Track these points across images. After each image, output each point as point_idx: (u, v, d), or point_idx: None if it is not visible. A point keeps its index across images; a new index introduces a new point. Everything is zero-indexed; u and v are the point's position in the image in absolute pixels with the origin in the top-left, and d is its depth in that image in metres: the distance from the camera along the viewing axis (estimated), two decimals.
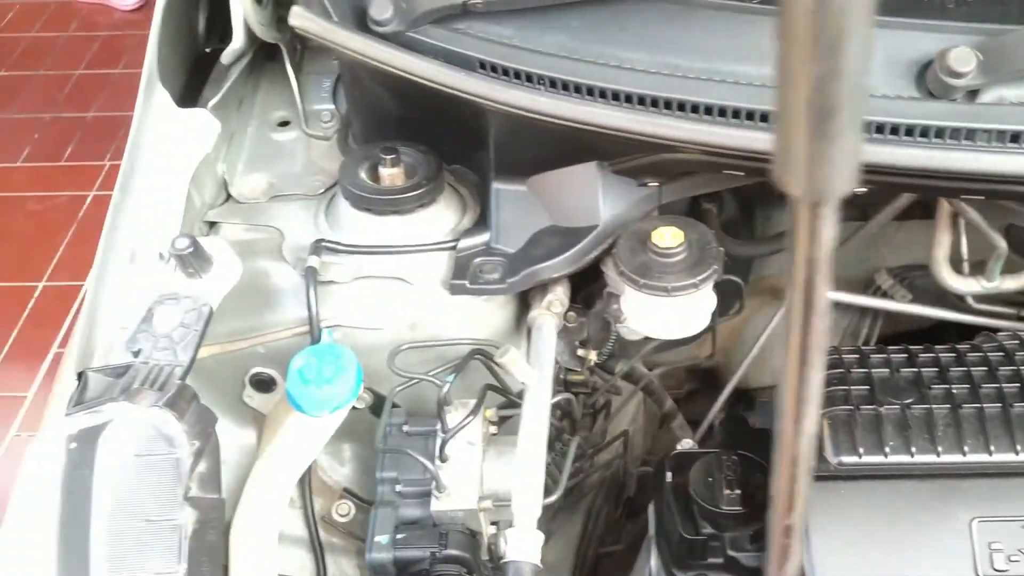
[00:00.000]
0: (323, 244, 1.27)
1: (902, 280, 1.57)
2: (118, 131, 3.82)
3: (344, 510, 1.35)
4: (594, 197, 1.27)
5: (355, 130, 1.44)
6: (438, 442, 1.21)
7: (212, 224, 1.36)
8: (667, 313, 1.19)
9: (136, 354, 1.09)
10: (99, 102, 4.00)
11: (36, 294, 3.28)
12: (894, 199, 1.39)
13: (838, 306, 1.55)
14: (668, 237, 1.17)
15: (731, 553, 1.15)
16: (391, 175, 1.31)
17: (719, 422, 1.40)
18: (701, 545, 1.16)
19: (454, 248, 1.29)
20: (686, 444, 1.35)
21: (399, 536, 1.14)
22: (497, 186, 1.32)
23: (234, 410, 1.31)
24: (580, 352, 1.36)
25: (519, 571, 1.05)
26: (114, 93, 4.05)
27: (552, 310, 1.30)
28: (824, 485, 1.04)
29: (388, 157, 1.30)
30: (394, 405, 1.27)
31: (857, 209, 1.46)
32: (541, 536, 1.08)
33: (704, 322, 1.22)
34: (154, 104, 1.29)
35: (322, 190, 1.40)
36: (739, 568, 1.15)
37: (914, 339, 1.63)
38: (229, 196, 1.40)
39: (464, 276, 1.26)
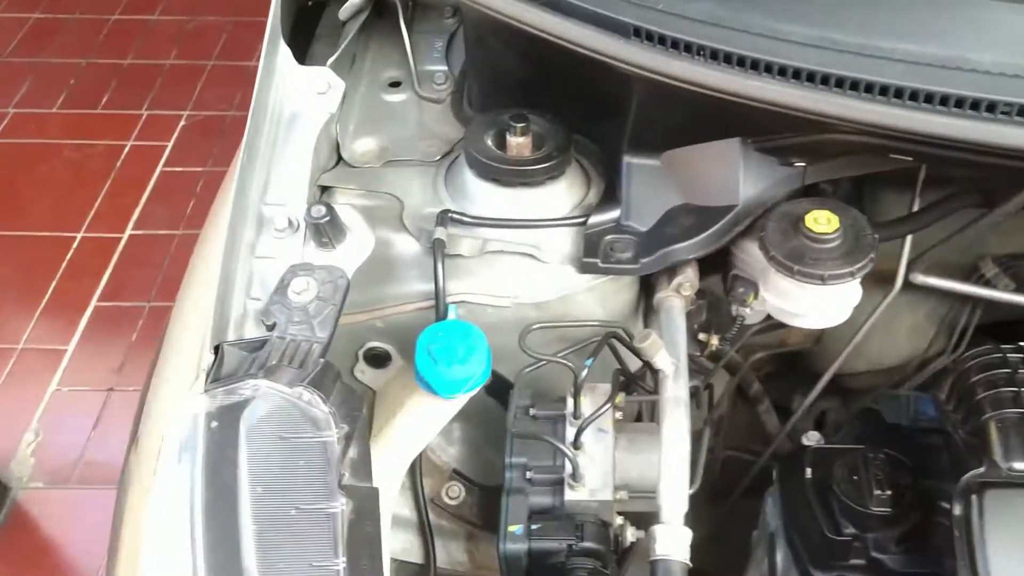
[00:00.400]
0: (450, 215, 1.21)
1: (1007, 269, 1.51)
2: (155, 79, 3.75)
3: (455, 492, 1.30)
4: (734, 175, 1.20)
5: (472, 94, 1.37)
6: (568, 428, 1.16)
7: (324, 189, 1.30)
8: (818, 302, 1.14)
9: (271, 328, 1.03)
10: (136, 48, 3.92)
11: (75, 245, 3.22)
12: None
13: (935, 293, 1.49)
14: (823, 222, 1.11)
15: (875, 555, 1.11)
16: (519, 144, 1.24)
17: (855, 415, 1.35)
18: (844, 545, 1.12)
19: (584, 224, 1.23)
20: (812, 438, 1.30)
21: (534, 526, 1.09)
22: (629, 160, 1.25)
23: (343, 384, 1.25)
24: (701, 336, 1.30)
25: (669, 570, 1.00)
26: (150, 40, 3.96)
27: (682, 292, 1.25)
28: (997, 492, 0.99)
29: (518, 125, 1.23)
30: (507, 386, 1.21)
31: (982, 195, 1.40)
32: (689, 533, 1.03)
33: (848, 312, 1.17)
34: (278, 63, 1.22)
35: (438, 156, 1.33)
36: (882, 570, 1.11)
37: (1014, 332, 1.59)
38: (339, 159, 1.34)
39: (595, 254, 1.20)
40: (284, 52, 1.21)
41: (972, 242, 1.46)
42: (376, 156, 1.34)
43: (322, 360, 0.99)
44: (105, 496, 2.59)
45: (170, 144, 3.57)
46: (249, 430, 0.95)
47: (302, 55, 1.32)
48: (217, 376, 1.00)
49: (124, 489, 1.15)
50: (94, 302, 3.04)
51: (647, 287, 1.30)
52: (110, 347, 2.92)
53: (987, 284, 1.50)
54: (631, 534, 1.15)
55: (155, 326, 2.96)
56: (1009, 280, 1.49)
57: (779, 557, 1.22)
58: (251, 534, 0.90)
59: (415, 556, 1.26)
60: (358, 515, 0.92)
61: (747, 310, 1.28)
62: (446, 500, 1.31)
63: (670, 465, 1.06)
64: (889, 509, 1.10)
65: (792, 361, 1.74)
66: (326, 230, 1.07)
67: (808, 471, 1.15)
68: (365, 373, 1.27)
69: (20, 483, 2.58)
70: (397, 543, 1.27)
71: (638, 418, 1.34)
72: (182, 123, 3.66)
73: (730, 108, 1.08)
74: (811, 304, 1.14)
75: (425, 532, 1.26)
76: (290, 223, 1.11)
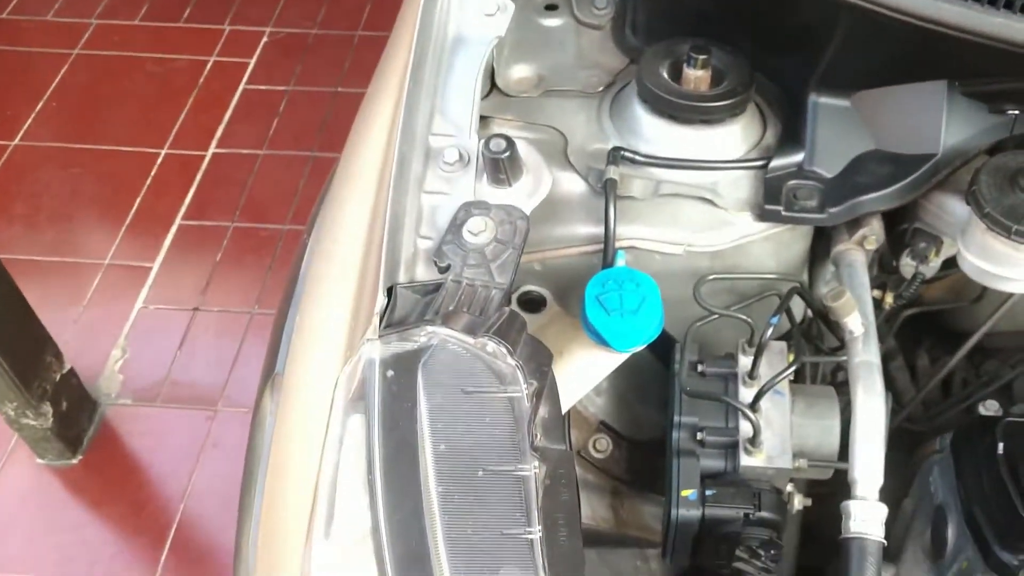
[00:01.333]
0: (622, 153, 1.12)
1: None
2: None
3: (603, 445, 1.24)
4: (936, 121, 1.10)
5: (638, 20, 1.26)
6: (740, 388, 1.09)
7: (482, 118, 1.21)
8: None
9: (444, 270, 0.96)
10: None
11: (159, 161, 3.17)
12: None
13: None
14: None
15: None
16: (698, 78, 1.14)
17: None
18: None
19: (765, 167, 1.13)
20: (991, 407, 1.21)
21: (708, 492, 1.02)
22: (817, 99, 1.15)
23: None
24: (875, 293, 1.21)
25: (864, 549, 0.93)
26: None
27: (866, 246, 1.15)
28: None
29: (699, 57, 1.13)
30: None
31: None
32: (885, 509, 0.95)
33: None
34: None
35: (601, 87, 1.24)
36: None
37: None
38: (493, 86, 1.24)
39: (777, 200, 1.11)
40: None
41: None
42: (534, 85, 1.25)
43: (506, 308, 0.92)
44: (190, 416, 2.60)
45: (253, 61, 3.48)
46: (428, 381, 0.87)
47: None
48: (391, 320, 0.93)
49: (260, 428, 1.10)
50: (178, 220, 3.00)
51: (821, 237, 1.21)
52: (195, 266, 2.88)
53: None
54: (798, 501, 1.08)
55: (239, 246, 2.92)
56: None
57: (950, 532, 1.14)
58: (435, 495, 0.83)
59: None
60: (553, 480, 0.85)
61: (926, 267, 1.19)
62: (593, 453, 1.24)
63: (865, 434, 0.98)
64: None
65: (921, 316, 1.64)
66: (505, 166, 0.99)
67: (1001, 445, 1.06)
68: None
69: (108, 399, 2.57)
70: None
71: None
72: (264, 40, 3.57)
73: (946, 46, 0.98)
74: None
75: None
76: (461, 156, 1.03)
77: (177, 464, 2.46)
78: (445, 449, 0.85)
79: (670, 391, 1.12)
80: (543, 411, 0.89)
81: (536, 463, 0.84)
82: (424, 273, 0.98)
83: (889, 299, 1.24)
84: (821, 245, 1.22)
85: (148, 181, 3.10)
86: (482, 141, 1.00)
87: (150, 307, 2.80)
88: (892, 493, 0.96)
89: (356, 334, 0.94)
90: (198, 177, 3.11)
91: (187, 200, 3.05)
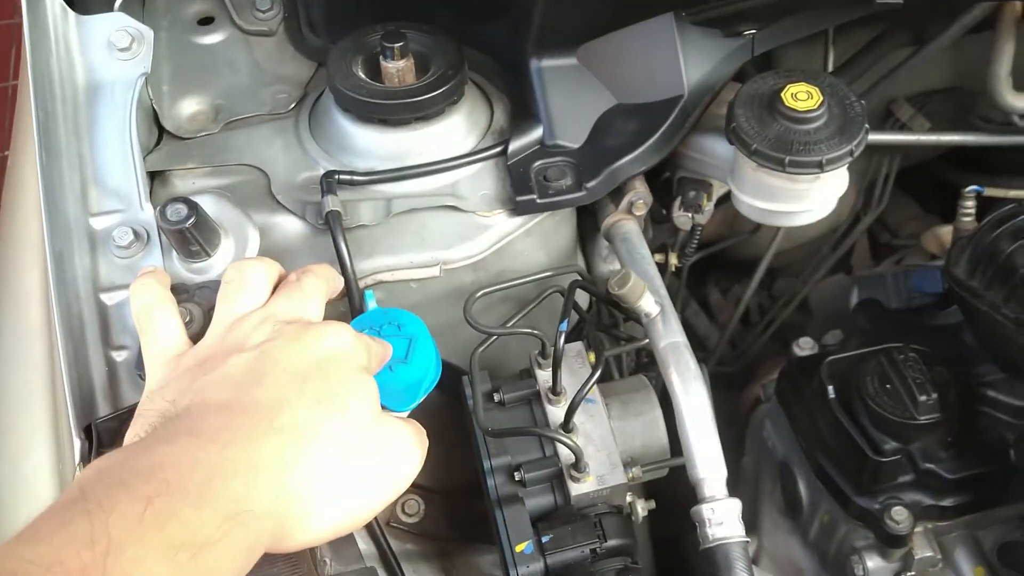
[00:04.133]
0: (337, 177, 0.93)
1: (920, 108, 1.38)
2: None
3: (412, 508, 1.06)
4: (673, 59, 0.99)
5: (313, 15, 1.07)
6: (547, 407, 0.94)
7: (154, 176, 0.98)
8: (815, 194, 0.94)
9: None
10: None
11: None
12: (964, 11, 1.17)
13: None
14: (804, 97, 0.91)
15: (926, 466, 0.96)
16: (400, 70, 0.97)
17: (852, 310, 1.18)
18: (891, 464, 0.96)
19: (504, 154, 0.98)
20: (805, 345, 1.13)
21: (544, 538, 0.87)
22: (539, 63, 1.01)
23: None
24: (658, 259, 1.09)
25: (729, 555, 0.81)
26: None
27: (635, 212, 1.03)
28: None
29: (395, 45, 0.96)
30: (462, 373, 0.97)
31: (912, 31, 1.24)
32: (738, 503, 0.83)
33: (836, 199, 0.98)
34: (47, 16, 0.89)
35: (292, 104, 1.04)
36: (936, 480, 0.96)
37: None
38: (162, 132, 1.02)
39: (528, 188, 0.96)
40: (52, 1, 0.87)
41: (876, 85, 1.31)
42: (210, 119, 1.03)
43: None
44: None
45: None
46: None
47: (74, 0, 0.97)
48: None
49: None
50: None
51: (586, 213, 1.08)
52: None
53: (903, 128, 1.37)
54: (642, 508, 0.95)
55: None
56: (924, 119, 1.36)
57: (802, 488, 1.06)
58: None
59: None
60: None
61: (702, 216, 1.08)
62: (403, 518, 1.06)
63: (694, 426, 0.86)
64: (937, 415, 0.94)
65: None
66: (193, 235, 0.78)
67: (831, 388, 0.97)
68: None
69: None
70: None
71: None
72: None
73: None
74: (806, 198, 0.94)
75: (389, 562, 1.02)
76: (136, 235, 0.81)
77: None
78: None
79: (471, 430, 0.95)
80: None
81: None
82: (130, 393, 0.76)
83: (674, 259, 1.13)
84: (587, 220, 1.09)
85: None
86: (157, 210, 0.78)
87: None
88: (728, 453, 0.85)
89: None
90: None
91: None
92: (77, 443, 0.70)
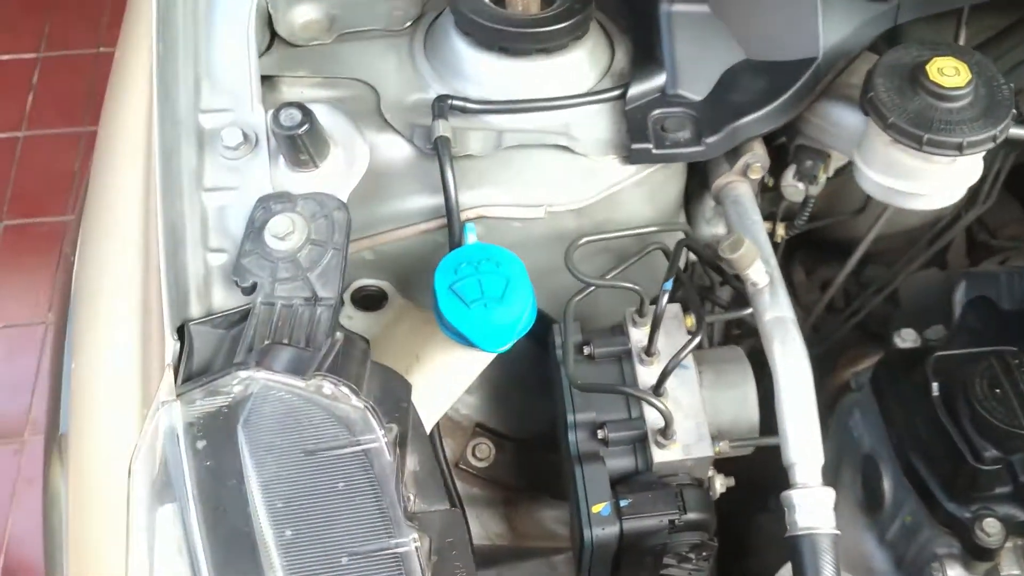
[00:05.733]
0: (450, 102, 0.90)
1: None
2: None
3: (483, 452, 1.04)
4: (811, 18, 0.93)
5: None
6: (638, 366, 0.90)
7: (262, 79, 0.95)
8: (947, 177, 0.88)
9: (250, 290, 0.72)
10: None
11: None
12: None
13: None
14: (951, 73, 0.85)
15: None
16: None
17: (960, 310, 1.12)
18: (990, 473, 0.91)
19: (623, 98, 0.93)
20: (908, 337, 1.08)
21: (622, 501, 0.84)
22: (670, 7, 0.96)
23: None
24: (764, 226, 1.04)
25: (817, 546, 0.77)
26: None
27: (750, 175, 0.98)
28: None
29: None
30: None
31: None
32: (832, 493, 0.80)
33: (968, 186, 0.93)
34: None
35: (408, 22, 1.00)
36: None
37: None
38: (274, 36, 0.99)
39: (644, 137, 0.92)
40: None
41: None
42: (324, 29, 1.00)
43: (340, 333, 0.69)
44: None
45: None
46: (255, 446, 0.65)
47: None
48: (190, 370, 0.69)
49: (55, 506, 0.85)
50: None
51: (695, 170, 1.03)
52: None
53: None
54: (721, 484, 0.92)
55: (14, 247, 2.53)
56: None
57: (886, 484, 1.01)
58: None
59: None
60: (442, 554, 0.65)
61: (815, 188, 1.03)
62: (473, 462, 1.04)
63: (794, 407, 0.82)
64: None
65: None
66: (305, 143, 0.75)
67: (935, 385, 0.93)
68: (354, 319, 0.96)
69: None
70: None
71: None
72: None
73: None
74: (937, 181, 0.89)
75: (454, 504, 1.00)
76: (245, 137, 0.79)
77: None
78: (292, 535, 0.63)
79: (555, 381, 0.92)
80: (412, 462, 0.68)
81: (415, 534, 0.63)
82: (223, 298, 0.74)
83: (780, 231, 1.08)
84: (694, 177, 1.05)
85: None
86: (270, 114, 0.76)
87: None
88: None
89: (150, 384, 0.70)
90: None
91: None
92: (169, 343, 0.68)
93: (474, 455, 1.03)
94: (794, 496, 0.79)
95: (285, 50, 0.98)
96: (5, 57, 2.94)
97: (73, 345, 0.84)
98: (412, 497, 0.65)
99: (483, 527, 1.03)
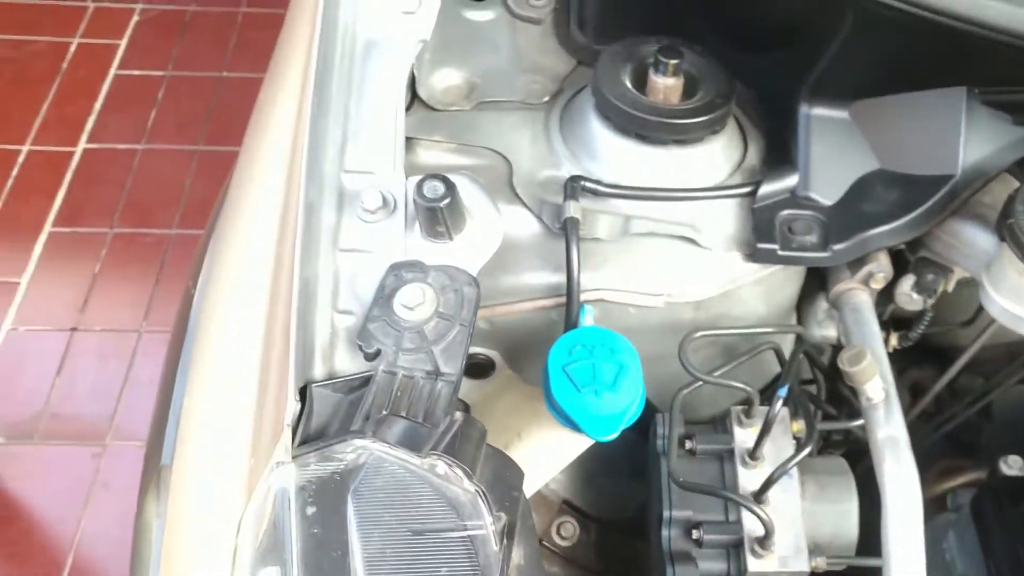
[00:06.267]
0: (583, 184, 0.90)
1: None
2: None
3: (568, 531, 1.03)
4: (954, 136, 0.92)
5: (586, 11, 1.05)
6: (738, 467, 0.89)
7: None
8: None
9: (373, 356, 0.73)
10: None
11: (20, 160, 2.81)
12: None
13: None
14: None
15: None
16: (668, 88, 0.93)
17: None
18: None
19: (753, 195, 0.93)
20: (1015, 464, 1.05)
21: None
22: (810, 110, 0.96)
23: None
24: None
25: None
26: None
27: (872, 285, 0.97)
28: None
29: (671, 62, 0.92)
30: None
31: None
32: None
33: None
34: None
35: (546, 96, 1.02)
36: None
37: None
38: (415, 97, 1.01)
39: (771, 237, 0.91)
40: None
41: None
42: (464, 95, 1.02)
43: (460, 413, 0.70)
44: (74, 453, 2.30)
45: (123, 42, 3.13)
46: (363, 518, 0.66)
47: None
48: (307, 433, 0.70)
49: (145, 537, 0.87)
50: (48, 227, 2.66)
51: (810, 272, 1.02)
52: (70, 280, 2.55)
53: None
54: None
55: (120, 255, 2.61)
56: None
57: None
58: None
59: None
60: None
61: (932, 301, 1.01)
62: (557, 540, 1.03)
63: (900, 531, 0.80)
64: None
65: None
66: (444, 216, 0.77)
67: None
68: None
69: None
70: None
71: None
72: (136, 17, 3.21)
73: (971, 47, 0.80)
74: None
75: None
76: (384, 201, 0.80)
77: (63, 509, 2.17)
78: None
79: (652, 472, 0.92)
80: (518, 555, 0.67)
81: None
82: (346, 362, 0.75)
83: (894, 341, 1.06)
84: (812, 279, 1.04)
85: (9, 183, 2.75)
86: (413, 183, 0.77)
87: (20, 329, 2.47)
88: None
89: (261, 437, 0.71)
90: (68, 177, 2.77)
91: (57, 204, 2.71)
92: (290, 403, 0.70)
93: (559, 533, 1.03)
94: None
95: (425, 113, 1.00)
96: (136, 73, 3.05)
97: (188, 380, 0.86)
98: None
99: None
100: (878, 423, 0.85)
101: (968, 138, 0.92)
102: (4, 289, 2.52)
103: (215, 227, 1.00)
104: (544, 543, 1.03)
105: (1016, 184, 0.92)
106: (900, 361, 1.62)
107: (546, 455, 0.89)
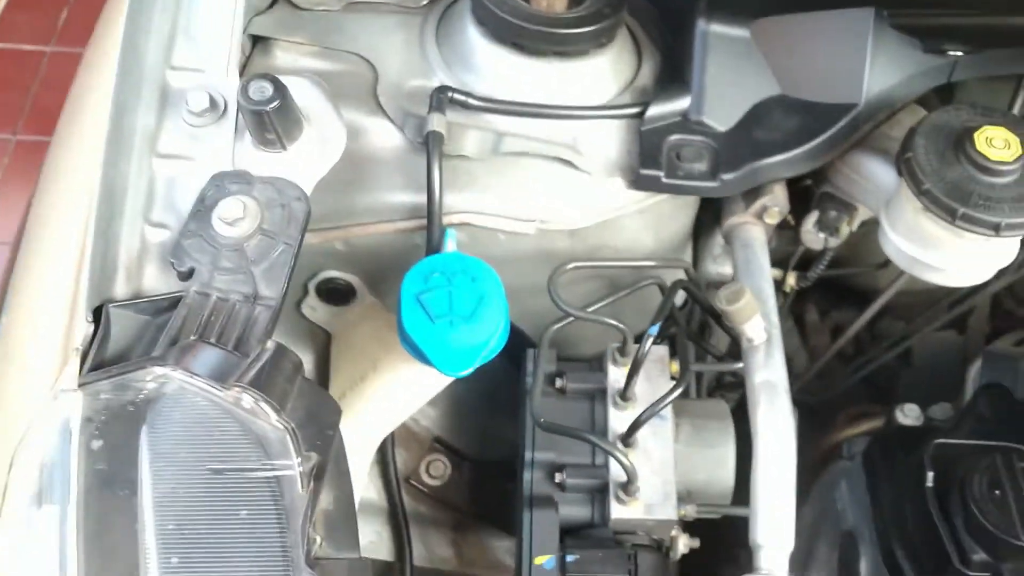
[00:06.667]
0: (451, 95, 0.82)
1: None
2: None
3: (438, 469, 0.97)
4: (859, 60, 0.85)
5: None
6: (610, 408, 0.83)
7: (257, 40, 0.89)
8: (975, 256, 0.80)
9: (187, 275, 0.65)
10: None
11: None
12: None
13: None
14: (1000, 145, 0.77)
15: None
16: None
17: (972, 392, 1.04)
18: None
19: (640, 116, 0.85)
20: (911, 413, 1.00)
21: (569, 556, 0.77)
22: (707, 26, 0.87)
23: (285, 323, 0.88)
24: (774, 274, 0.96)
25: None
26: None
27: (766, 219, 0.90)
28: None
29: None
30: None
31: None
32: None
33: (995, 270, 0.85)
34: None
35: (424, 1, 0.93)
36: None
37: None
38: None
39: (656, 163, 0.84)
40: None
41: None
42: None
43: (271, 342, 0.62)
44: None
45: None
46: (156, 453, 0.58)
47: None
48: (101, 358, 0.62)
49: None
50: None
51: (709, 204, 0.95)
52: None
53: None
54: (683, 545, 0.84)
55: (23, 163, 2.48)
56: None
57: (863, 567, 0.94)
58: None
59: (384, 551, 0.93)
60: None
61: (836, 240, 0.95)
62: (426, 479, 0.97)
63: (773, 484, 0.74)
64: None
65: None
66: (273, 121, 0.68)
67: (930, 475, 0.85)
68: (317, 310, 0.90)
69: None
70: (362, 535, 0.93)
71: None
72: None
73: None
74: (965, 258, 0.81)
75: (399, 521, 0.93)
76: (212, 102, 0.71)
77: None
78: (179, 564, 0.57)
79: (521, 411, 0.85)
80: (326, 500, 0.61)
81: None
82: (156, 281, 0.67)
83: (791, 280, 1.01)
84: (706, 212, 0.97)
85: None
86: (240, 83, 0.69)
87: None
88: None
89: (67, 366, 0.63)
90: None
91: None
92: (81, 325, 0.62)
93: (428, 472, 0.97)
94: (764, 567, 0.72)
95: (289, 11, 0.90)
96: None
97: (8, 301, 0.78)
98: (319, 539, 0.59)
99: (428, 549, 0.96)
100: (756, 366, 0.79)
101: (874, 64, 0.85)
102: None
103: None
104: (412, 481, 0.97)
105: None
106: (824, 302, 1.58)
107: (403, 389, 0.83)
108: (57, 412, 0.59)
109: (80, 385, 0.60)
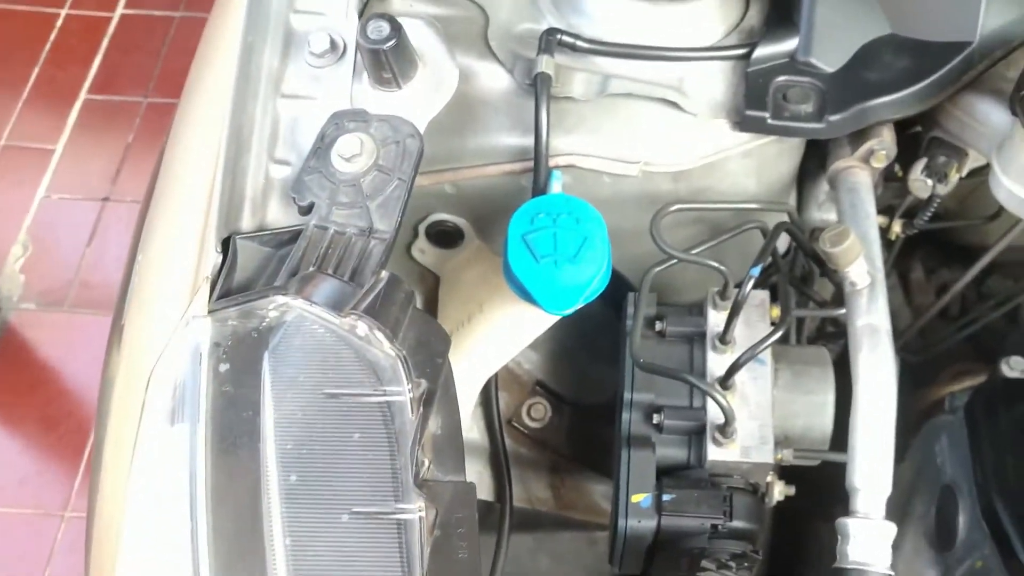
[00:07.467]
0: (559, 37, 0.84)
1: None
2: None
3: (539, 412, 1.00)
4: None
5: None
6: (708, 352, 0.84)
7: None
8: None
9: (306, 210, 0.69)
10: None
11: (58, 24, 2.79)
12: None
13: None
14: None
15: None
16: None
17: None
18: None
19: (747, 58, 0.85)
20: (1016, 366, 0.97)
21: (665, 496, 0.79)
22: None
23: (395, 266, 0.92)
24: (880, 220, 0.95)
25: None
26: None
27: (873, 163, 0.89)
28: None
29: None
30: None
31: None
32: (893, 528, 0.73)
33: None
34: None
35: None
36: None
37: None
38: None
39: (762, 104, 0.84)
40: None
41: None
42: None
43: (385, 273, 0.66)
44: (104, 323, 2.34)
45: None
46: (278, 379, 0.62)
47: None
48: (228, 287, 0.67)
49: (107, 389, 0.85)
50: (83, 94, 2.64)
51: (815, 148, 0.95)
52: (104, 149, 2.54)
53: None
54: (779, 492, 0.85)
55: (154, 125, 2.59)
56: None
57: (962, 522, 0.93)
58: (282, 550, 0.59)
59: (485, 491, 0.97)
60: (446, 530, 0.61)
61: (944, 187, 0.94)
62: (527, 421, 1.00)
63: (869, 428, 0.75)
64: None
65: None
66: (389, 60, 0.71)
67: None
68: (426, 253, 0.93)
69: (10, 303, 2.29)
70: None
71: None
72: None
73: None
74: None
75: (500, 462, 0.97)
76: (332, 44, 0.75)
77: (92, 375, 2.20)
78: (297, 481, 0.61)
79: (621, 354, 0.87)
80: (435, 425, 0.64)
81: (423, 503, 0.60)
82: (278, 214, 0.71)
83: (897, 228, 0.99)
84: (812, 157, 0.96)
85: (47, 47, 2.73)
86: (359, 23, 0.72)
87: (53, 196, 2.49)
88: None
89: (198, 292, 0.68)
90: (104, 43, 2.73)
91: (92, 71, 2.69)
92: (210, 255, 0.66)
93: (529, 415, 0.99)
94: (851, 525, 0.72)
95: None
96: None
97: (144, 235, 0.84)
98: (427, 462, 0.62)
99: (527, 490, 0.99)
100: (859, 310, 0.79)
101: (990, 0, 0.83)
102: (39, 156, 2.53)
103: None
104: (513, 423, 1.00)
105: None
106: (931, 260, 1.54)
107: (508, 330, 0.85)
108: (189, 337, 0.64)
109: (209, 312, 0.64)
